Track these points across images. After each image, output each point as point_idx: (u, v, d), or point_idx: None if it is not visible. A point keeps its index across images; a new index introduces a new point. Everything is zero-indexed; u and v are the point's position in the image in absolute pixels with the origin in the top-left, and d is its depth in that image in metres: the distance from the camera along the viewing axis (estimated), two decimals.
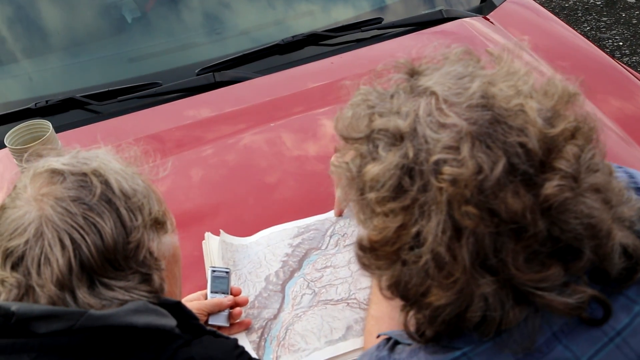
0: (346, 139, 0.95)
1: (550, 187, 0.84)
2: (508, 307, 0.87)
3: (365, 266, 0.98)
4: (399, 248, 0.88)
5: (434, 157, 0.84)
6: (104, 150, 1.08)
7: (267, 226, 1.74)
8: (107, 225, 0.97)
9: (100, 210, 0.98)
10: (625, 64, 2.69)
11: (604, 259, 0.89)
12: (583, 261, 0.87)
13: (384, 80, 0.98)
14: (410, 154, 0.86)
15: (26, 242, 0.96)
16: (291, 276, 1.61)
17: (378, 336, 1.20)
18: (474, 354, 0.92)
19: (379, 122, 0.90)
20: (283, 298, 1.56)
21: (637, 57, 4.37)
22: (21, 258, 0.96)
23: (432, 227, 0.84)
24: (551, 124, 0.86)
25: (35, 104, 2.13)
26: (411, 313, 0.96)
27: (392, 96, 0.93)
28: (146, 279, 1.01)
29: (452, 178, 0.83)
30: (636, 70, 2.37)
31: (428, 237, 0.85)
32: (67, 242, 0.95)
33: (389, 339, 1.06)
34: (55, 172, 1.00)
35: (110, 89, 2.18)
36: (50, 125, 1.81)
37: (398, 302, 1.34)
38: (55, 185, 0.99)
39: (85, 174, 1.01)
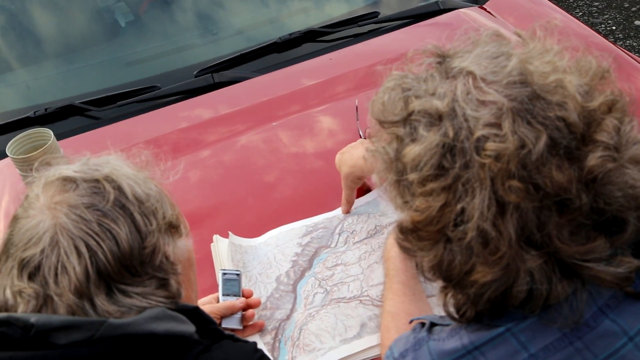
0: (382, 122, 0.96)
1: (594, 158, 0.85)
2: (555, 281, 0.87)
3: (406, 249, 0.98)
4: (443, 226, 0.89)
5: (476, 134, 0.85)
6: (114, 156, 1.07)
7: (270, 226, 1.74)
8: (122, 231, 0.96)
9: (115, 216, 0.97)
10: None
11: None
12: (628, 233, 0.89)
13: (415, 65, 0.99)
14: (451, 133, 0.87)
15: (42, 251, 0.95)
16: (302, 275, 1.60)
17: (411, 321, 1.20)
18: (518, 330, 0.93)
19: (416, 104, 0.92)
20: (295, 298, 1.55)
21: (631, 41, 4.37)
22: (38, 268, 0.95)
23: (477, 204, 0.85)
24: (589, 98, 0.88)
25: (35, 112, 2.11)
26: (449, 295, 0.97)
27: (425, 79, 0.94)
28: (163, 284, 1.00)
29: (495, 154, 0.84)
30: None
31: (473, 214, 0.86)
32: (83, 249, 0.94)
33: (423, 324, 1.06)
34: (67, 180, 1.00)
35: (109, 94, 2.17)
36: (52, 133, 1.80)
37: (413, 296, 1.36)
38: (68, 193, 0.98)
39: (97, 180, 1.00)
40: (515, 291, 0.89)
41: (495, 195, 0.85)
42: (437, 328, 1.03)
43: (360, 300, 1.52)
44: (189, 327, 1.00)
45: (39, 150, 1.75)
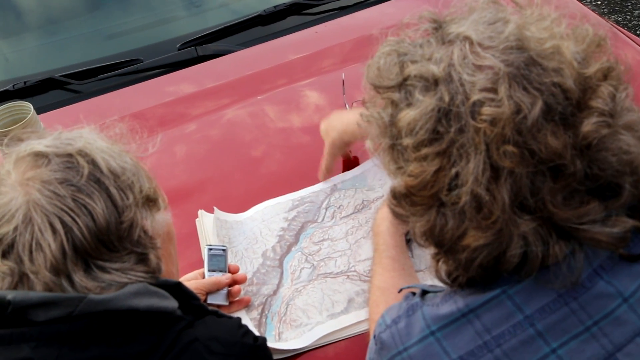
0: (377, 87, 0.96)
1: (589, 124, 0.85)
2: (552, 243, 0.88)
3: (399, 215, 0.98)
4: (437, 191, 0.89)
5: (472, 99, 0.85)
6: (87, 130, 1.04)
7: (257, 201, 1.71)
8: (98, 206, 0.94)
9: (90, 190, 0.94)
10: None
11: None
12: (623, 197, 0.89)
13: (411, 31, 0.98)
14: (446, 98, 0.87)
15: (15, 228, 0.92)
16: (288, 250, 1.58)
17: (400, 291, 1.20)
18: (514, 292, 0.93)
19: (411, 69, 0.91)
20: (282, 273, 1.53)
21: (616, 16, 4.36)
22: (11, 245, 0.92)
23: (471, 169, 0.85)
24: (585, 65, 0.88)
25: (14, 85, 2.08)
26: (441, 261, 0.97)
27: (422, 45, 0.94)
28: (142, 259, 0.98)
29: (491, 118, 0.84)
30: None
31: (467, 178, 0.86)
32: (58, 225, 0.92)
33: (414, 293, 1.06)
34: (39, 155, 0.97)
35: (90, 67, 2.13)
36: (32, 106, 1.76)
37: (403, 271, 1.34)
38: (40, 169, 0.95)
39: (70, 155, 0.97)
40: (509, 255, 0.89)
41: (490, 160, 0.85)
42: (429, 295, 1.02)
43: (348, 276, 1.50)
44: (171, 303, 0.98)
45: (18, 124, 1.71)
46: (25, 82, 2.08)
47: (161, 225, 1.05)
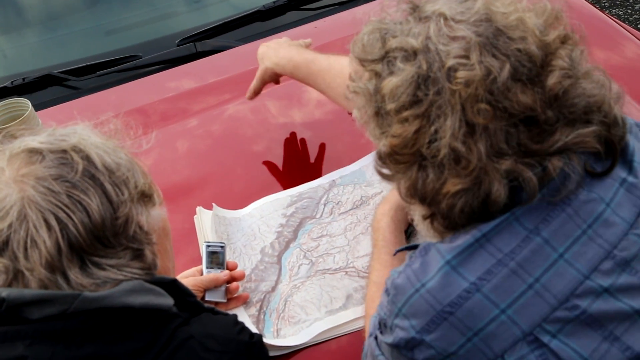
0: (362, 61, 1.05)
1: (553, 78, 0.97)
2: (544, 162, 0.98)
3: (384, 176, 1.09)
4: (419, 148, 0.99)
5: (448, 64, 0.96)
6: (81, 126, 1.03)
7: (258, 196, 1.71)
8: (93, 202, 0.93)
9: (85, 187, 0.94)
10: None
11: (610, 126, 1.02)
12: (593, 124, 1.00)
13: (391, 12, 1.09)
14: (424, 66, 0.98)
15: (9, 225, 0.91)
16: (287, 247, 1.58)
17: (395, 253, 1.32)
18: (521, 212, 1.01)
19: (393, 42, 1.01)
20: (280, 269, 1.53)
21: (617, 10, 4.34)
22: (6, 242, 0.92)
23: (449, 125, 0.96)
24: (546, 33, 1.00)
25: (12, 82, 2.07)
26: (431, 221, 1.06)
27: (401, 23, 1.05)
28: (138, 254, 0.98)
29: (465, 80, 0.95)
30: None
31: (445, 134, 0.96)
32: (53, 222, 0.91)
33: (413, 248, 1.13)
34: (33, 152, 0.96)
35: (88, 63, 2.12)
36: (29, 103, 1.76)
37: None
38: (34, 165, 0.95)
39: (65, 151, 0.96)
40: (494, 196, 0.98)
41: (465, 117, 0.96)
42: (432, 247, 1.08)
43: (346, 272, 1.49)
44: (166, 300, 0.98)
45: (16, 121, 1.71)
46: (23, 79, 2.07)
47: (156, 220, 1.04)
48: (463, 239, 1.02)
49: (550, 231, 1.00)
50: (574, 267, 0.99)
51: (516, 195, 0.99)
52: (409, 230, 1.48)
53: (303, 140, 1.88)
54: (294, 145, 1.87)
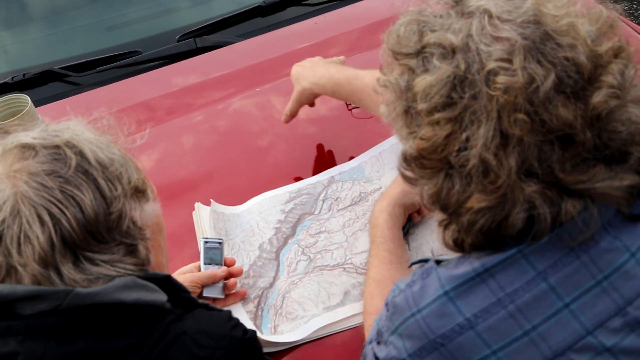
0: (396, 54, 0.99)
1: (599, 96, 0.89)
2: (562, 202, 0.91)
3: (408, 179, 1.02)
4: (447, 154, 0.93)
5: (488, 67, 0.89)
6: (75, 122, 1.03)
7: (259, 192, 1.71)
8: (86, 197, 0.93)
9: (78, 182, 0.94)
10: None
11: None
12: (629, 163, 0.93)
13: (432, 4, 1.02)
14: (462, 66, 0.91)
15: (3, 221, 0.91)
16: (285, 243, 1.57)
17: (410, 266, 1.25)
18: (529, 251, 0.95)
19: (431, 37, 0.95)
20: (278, 266, 1.53)
21: (622, 4, 4.31)
22: None
23: (482, 134, 0.89)
24: (598, 43, 0.92)
25: (12, 77, 2.07)
26: (447, 228, 1.00)
27: (441, 16, 0.98)
28: (131, 250, 0.98)
29: (505, 86, 0.88)
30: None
31: (477, 142, 0.90)
32: (46, 217, 0.91)
33: (425, 263, 1.08)
34: (26, 147, 0.96)
35: (88, 59, 2.12)
36: (29, 99, 1.75)
37: (399, 265, 1.34)
38: (27, 160, 0.94)
39: (58, 146, 0.96)
40: (512, 220, 0.92)
41: (500, 127, 0.89)
42: (444, 262, 1.04)
43: (344, 268, 1.49)
44: (160, 296, 0.97)
45: (15, 117, 1.71)
46: (24, 75, 2.08)
47: (150, 216, 1.04)
48: (464, 269, 0.98)
49: (559, 278, 0.94)
50: (578, 320, 0.93)
51: (526, 228, 0.93)
52: (406, 227, 1.48)
53: (304, 136, 1.87)
54: (297, 141, 1.87)
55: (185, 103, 2.03)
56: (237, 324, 1.03)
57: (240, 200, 1.69)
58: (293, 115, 1.75)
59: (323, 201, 1.65)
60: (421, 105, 0.94)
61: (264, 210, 1.65)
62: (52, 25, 2.32)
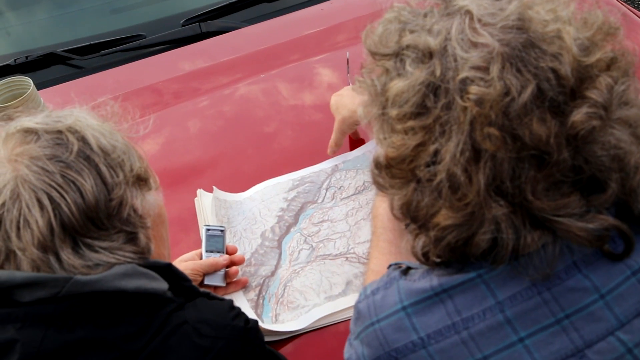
0: (374, 54, 0.94)
1: (579, 114, 0.82)
2: (524, 232, 0.85)
3: (379, 185, 0.97)
4: (415, 166, 0.88)
5: (461, 76, 0.83)
6: (79, 108, 1.02)
7: (263, 179, 1.70)
8: (87, 183, 0.92)
9: (79, 167, 0.93)
10: None
11: (629, 193, 0.88)
12: (607, 194, 0.86)
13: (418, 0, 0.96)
14: (437, 72, 0.85)
15: (3, 204, 0.91)
16: (287, 231, 1.56)
17: (389, 266, 1.20)
18: (489, 277, 0.91)
19: (408, 38, 0.89)
20: (280, 254, 1.52)
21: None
22: None
23: (451, 147, 0.84)
24: (587, 53, 0.84)
25: (15, 60, 2.06)
26: (418, 239, 0.96)
27: (425, 15, 0.92)
28: (131, 238, 0.97)
29: (477, 98, 0.81)
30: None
31: (445, 156, 0.84)
32: (46, 202, 0.90)
33: (399, 267, 1.05)
34: (28, 131, 0.95)
35: (92, 42, 2.11)
36: (31, 81, 1.74)
37: (400, 255, 1.32)
38: (29, 145, 0.94)
39: (60, 132, 0.96)
40: (478, 239, 0.87)
41: (472, 140, 0.83)
42: (412, 271, 1.02)
43: (346, 258, 1.48)
44: (161, 285, 0.97)
45: (17, 100, 1.69)
46: (26, 57, 2.07)
47: (152, 205, 1.03)
48: (423, 285, 0.95)
49: (517, 312, 0.90)
50: (531, 356, 0.89)
51: (492, 250, 0.88)
52: None
53: (310, 124, 1.86)
54: (303, 127, 1.85)
55: (189, 88, 2.02)
56: (238, 313, 1.02)
57: (244, 187, 1.68)
58: (338, 145, 1.68)
59: (326, 190, 1.64)
60: (393, 112, 0.89)
61: (266, 198, 1.64)
62: (56, 7, 2.30)
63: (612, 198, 0.86)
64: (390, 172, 0.92)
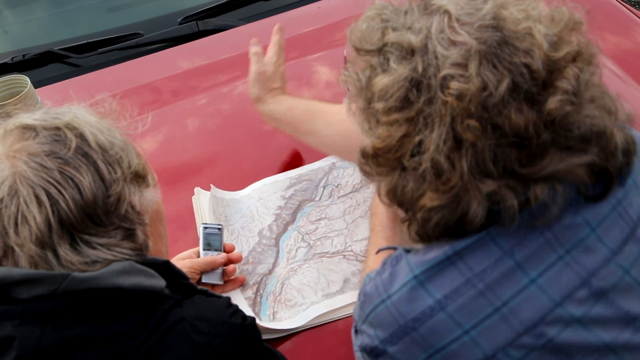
0: (358, 50, 0.99)
1: (553, 102, 0.89)
2: (528, 191, 0.92)
3: (366, 173, 1.03)
4: (401, 155, 0.95)
5: (443, 72, 0.89)
6: (77, 105, 1.03)
7: (260, 177, 1.70)
8: (85, 179, 0.93)
9: (77, 164, 0.93)
10: None
11: (608, 157, 0.96)
12: (587, 155, 0.94)
13: None
14: (420, 69, 0.91)
15: (0, 200, 0.91)
16: (285, 229, 1.56)
17: (377, 252, 1.28)
18: (497, 233, 0.96)
19: (391, 36, 0.95)
20: (277, 252, 1.52)
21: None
22: None
23: (434, 138, 0.90)
24: (555, 48, 0.92)
25: (12, 58, 2.06)
26: (411, 226, 1.01)
27: (405, 12, 0.97)
28: (129, 234, 0.97)
29: (458, 93, 0.88)
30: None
31: (429, 146, 0.91)
32: (44, 198, 0.90)
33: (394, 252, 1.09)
34: (27, 128, 0.95)
35: (89, 41, 2.10)
36: (29, 80, 1.74)
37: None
38: (27, 141, 0.94)
39: (58, 128, 0.96)
40: (471, 216, 0.93)
41: (454, 131, 0.90)
42: (412, 251, 1.05)
43: (344, 256, 1.48)
44: (158, 282, 0.97)
45: (14, 98, 1.69)
46: (24, 55, 2.06)
47: (150, 202, 1.03)
48: (434, 254, 0.99)
49: (525, 255, 0.96)
50: (546, 294, 0.95)
51: (494, 216, 0.94)
52: None
53: None
54: None
55: (187, 86, 2.02)
56: (236, 310, 1.02)
57: (242, 185, 1.68)
58: None
59: (324, 187, 1.64)
60: (378, 105, 0.95)
61: (264, 196, 1.64)
62: (53, 5, 2.30)
63: (590, 163, 0.94)
64: (377, 160, 0.98)
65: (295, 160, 1.74)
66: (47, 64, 2.09)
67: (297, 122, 1.59)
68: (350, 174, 1.66)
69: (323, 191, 1.63)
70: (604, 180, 0.97)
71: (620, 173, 0.99)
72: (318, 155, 1.72)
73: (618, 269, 0.97)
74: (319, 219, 1.57)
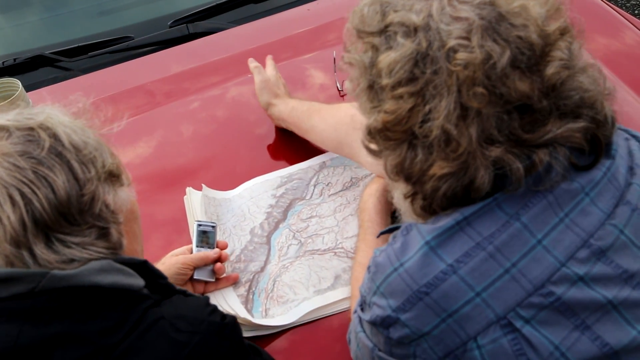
0: (360, 32, 1.04)
1: (552, 68, 0.97)
2: (532, 155, 0.97)
3: (371, 151, 1.09)
4: (411, 126, 0.98)
5: (449, 45, 0.95)
6: (51, 106, 1.03)
7: (251, 177, 1.70)
8: (59, 179, 0.93)
9: (51, 163, 0.94)
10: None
11: (599, 125, 1.02)
12: (583, 121, 1.00)
13: None
14: (424, 44, 0.96)
15: None
16: (276, 227, 1.58)
17: (379, 235, 1.31)
18: (503, 198, 1.01)
19: (394, 16, 1.00)
20: (269, 250, 1.53)
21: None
22: None
23: (443, 107, 0.95)
24: (547, 23, 0.99)
25: (3, 62, 2.06)
26: (413, 200, 1.05)
27: None
28: (103, 233, 0.98)
29: (464, 62, 0.93)
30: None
31: (439, 115, 0.95)
32: (18, 197, 0.91)
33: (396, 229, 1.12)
34: (0, 129, 0.96)
35: (80, 44, 2.11)
36: (20, 83, 1.75)
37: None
38: (1, 142, 0.95)
39: (32, 128, 0.96)
40: (479, 183, 0.98)
41: (460, 100, 0.95)
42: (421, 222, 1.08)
43: (335, 253, 1.49)
44: (136, 281, 0.97)
45: (6, 101, 1.70)
46: (14, 59, 2.07)
47: (124, 201, 1.04)
48: (445, 221, 1.01)
49: (530, 217, 1.00)
50: (551, 254, 0.99)
51: (499, 183, 0.99)
52: (395, 212, 1.48)
53: None
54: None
55: (178, 89, 2.01)
56: (214, 309, 1.02)
57: (235, 186, 1.69)
58: None
59: (314, 186, 1.65)
60: (385, 81, 0.99)
61: (255, 194, 1.65)
62: (44, 9, 2.30)
63: (585, 129, 1.00)
64: (385, 135, 1.02)
65: (285, 160, 1.74)
66: (38, 68, 2.10)
67: (299, 121, 1.70)
68: (340, 172, 1.67)
69: (314, 189, 1.65)
70: (594, 149, 1.03)
71: (608, 142, 1.05)
72: (308, 155, 1.73)
73: (613, 229, 1.02)
74: (309, 217, 1.58)
